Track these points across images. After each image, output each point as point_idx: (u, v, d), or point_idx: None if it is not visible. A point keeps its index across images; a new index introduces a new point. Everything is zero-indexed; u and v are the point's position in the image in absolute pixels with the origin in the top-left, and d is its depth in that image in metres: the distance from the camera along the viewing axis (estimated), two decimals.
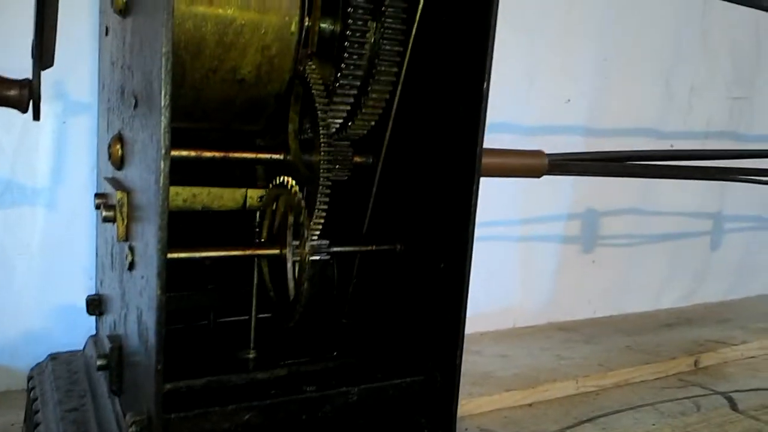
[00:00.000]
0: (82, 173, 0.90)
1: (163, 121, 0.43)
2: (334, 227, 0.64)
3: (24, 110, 0.59)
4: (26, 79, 0.58)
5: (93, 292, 0.75)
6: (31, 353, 0.85)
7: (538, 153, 0.74)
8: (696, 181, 1.52)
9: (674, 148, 1.39)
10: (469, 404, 0.99)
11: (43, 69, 0.59)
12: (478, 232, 0.58)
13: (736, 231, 1.69)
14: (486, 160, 0.57)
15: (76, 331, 0.86)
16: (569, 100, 1.35)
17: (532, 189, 1.26)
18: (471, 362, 1.11)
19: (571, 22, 1.29)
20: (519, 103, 1.24)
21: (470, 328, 0.60)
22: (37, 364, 0.81)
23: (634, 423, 1.02)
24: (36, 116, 0.59)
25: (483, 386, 1.06)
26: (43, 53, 0.58)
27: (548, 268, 1.40)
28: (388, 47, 0.62)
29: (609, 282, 1.49)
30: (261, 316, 0.66)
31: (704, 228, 1.65)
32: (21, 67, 0.60)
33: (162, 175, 0.44)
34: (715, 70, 1.53)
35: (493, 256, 1.27)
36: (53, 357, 0.81)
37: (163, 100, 0.42)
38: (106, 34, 0.67)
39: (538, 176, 0.73)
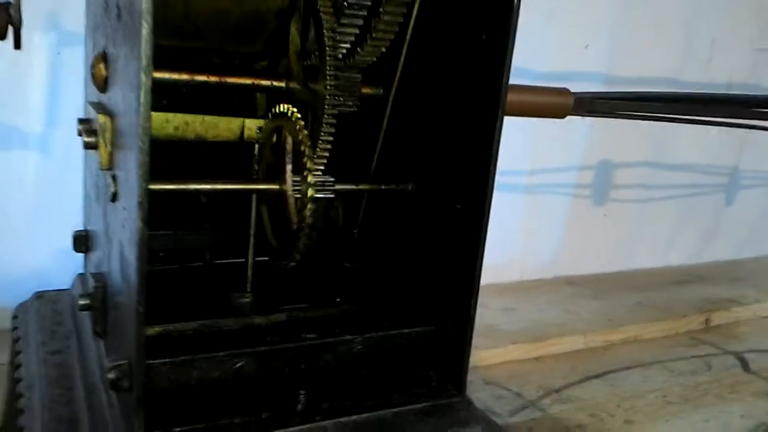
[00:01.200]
0: (79, 106, 0.86)
1: (145, 26, 0.37)
2: (339, 164, 0.58)
3: (2, 36, 0.53)
4: (6, 2, 0.52)
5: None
6: (24, 292, 0.81)
7: (563, 91, 0.68)
8: (713, 135, 1.48)
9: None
10: (474, 356, 0.95)
11: None
12: None
13: (752, 187, 1.65)
14: (508, 98, 0.51)
15: (71, 271, 0.82)
16: (587, 46, 1.28)
17: (543, 137, 1.21)
18: (476, 314, 1.08)
19: None
20: (534, 47, 1.18)
21: None
22: (22, 303, 0.77)
23: (643, 381, 0.99)
24: (17, 44, 0.53)
25: (489, 338, 1.03)
26: None
27: (557, 220, 1.36)
28: None
29: (619, 236, 1.46)
30: (259, 258, 0.61)
31: (719, 183, 1.60)
32: None
33: (143, 90, 0.38)
34: (738, 21, 1.46)
35: (500, 206, 1.21)
36: (39, 295, 0.77)
37: (145, 2, 0.36)
38: None
39: (562, 116, 0.68)
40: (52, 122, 0.89)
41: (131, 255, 0.42)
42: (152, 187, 0.43)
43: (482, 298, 1.25)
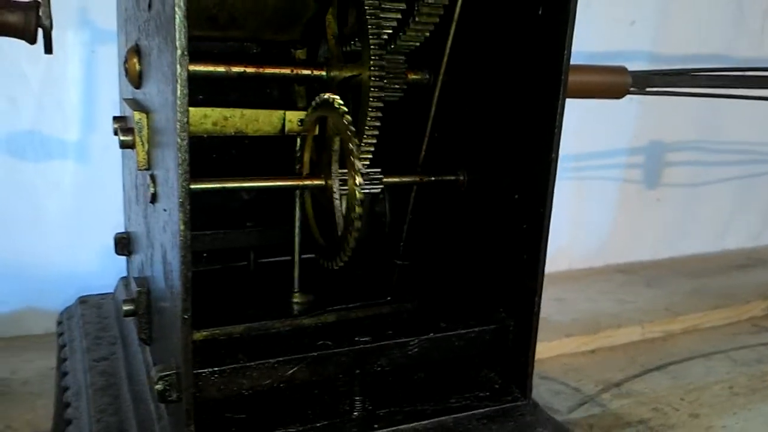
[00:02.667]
0: (116, 105, 0.85)
1: (178, 13, 0.34)
2: (386, 156, 0.55)
3: (31, 40, 0.50)
4: (34, 1, 0.49)
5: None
6: (69, 296, 0.80)
7: (620, 69, 0.64)
8: (767, 113, 1.40)
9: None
10: None
11: None
12: None
13: None
14: (570, 77, 0.47)
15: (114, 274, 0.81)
16: (634, 23, 1.23)
17: (591, 119, 1.16)
18: None
19: None
20: (579, 26, 1.13)
21: None
22: (66, 308, 0.76)
23: (706, 372, 0.95)
24: (48, 48, 0.51)
25: (540, 331, 0.99)
26: None
27: (607, 205, 1.31)
28: None
29: (672, 221, 1.41)
30: (305, 256, 0.58)
31: None
32: None
33: (179, 82, 0.35)
34: None
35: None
36: (83, 300, 0.76)
37: None
38: None
39: (620, 96, 0.63)
40: (89, 122, 0.88)
41: (174, 259, 0.40)
42: (193, 186, 0.40)
43: None
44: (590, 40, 1.14)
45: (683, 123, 1.32)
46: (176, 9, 0.35)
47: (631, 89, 0.68)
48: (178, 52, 0.35)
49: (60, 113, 0.87)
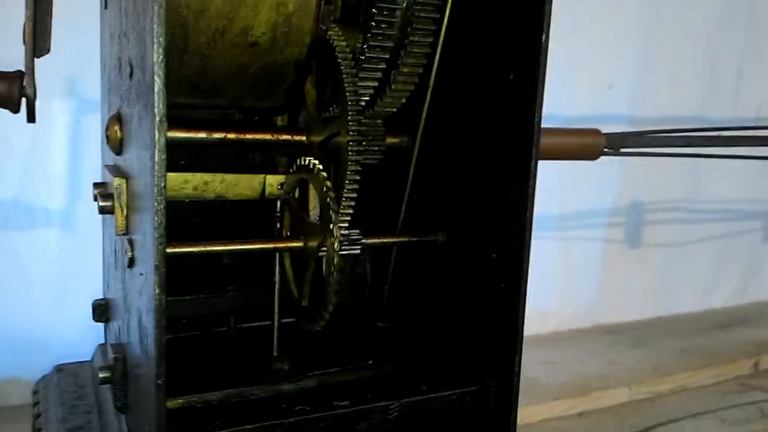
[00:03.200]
0: (99, 172, 0.85)
1: (157, 81, 0.35)
2: (365, 218, 0.55)
3: (14, 110, 0.50)
4: (18, 71, 0.50)
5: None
6: (47, 364, 0.78)
7: (593, 131, 0.65)
8: (746, 171, 1.43)
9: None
10: None
11: (38, 56, 0.50)
12: None
13: None
14: (542, 140, 0.48)
15: (92, 341, 0.80)
16: (611, 86, 1.26)
17: (572, 180, 1.18)
18: None
19: (608, 3, 1.20)
20: (556, 89, 1.16)
21: None
22: (43, 377, 0.74)
23: None
24: (30, 117, 0.50)
25: (528, 395, 0.98)
26: (37, 37, 0.49)
27: (591, 266, 1.32)
28: (422, 14, 0.53)
29: (657, 280, 1.41)
30: (285, 320, 0.58)
31: (755, 220, 1.54)
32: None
33: (157, 147, 0.36)
34: (762, 49, 1.43)
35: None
36: (59, 368, 0.74)
37: (156, 54, 0.35)
38: (105, 6, 0.59)
39: (595, 157, 0.65)
40: (74, 190, 0.88)
41: (149, 324, 0.39)
42: (170, 250, 0.40)
43: None
44: (567, 104, 1.17)
45: (664, 181, 1.34)
46: (155, 77, 0.36)
47: (606, 150, 0.69)
48: (157, 118, 0.36)
49: (45, 181, 0.87)
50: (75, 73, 0.85)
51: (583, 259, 1.30)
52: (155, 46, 0.35)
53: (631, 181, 1.30)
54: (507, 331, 0.50)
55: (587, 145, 0.63)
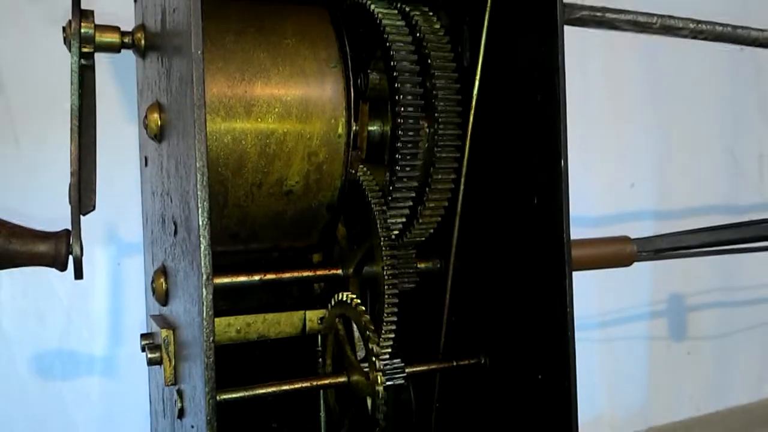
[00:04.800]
0: (140, 315, 0.87)
1: (203, 242, 0.37)
2: (407, 344, 0.56)
3: (62, 268, 0.51)
4: (64, 230, 0.51)
5: None
6: None
7: (623, 239, 0.66)
8: None
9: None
10: None
11: (84, 214, 0.52)
12: None
13: None
14: (573, 252, 0.49)
15: None
16: (633, 185, 1.28)
17: (607, 281, 1.17)
18: None
19: (622, 104, 1.24)
20: (579, 193, 1.18)
21: None
22: None
23: None
24: (78, 274, 0.51)
25: None
26: (82, 196, 0.52)
27: (638, 365, 1.28)
28: (443, 154, 0.56)
29: (707, 373, 1.36)
30: None
31: None
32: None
33: (205, 304, 0.37)
34: None
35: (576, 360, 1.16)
36: None
37: (201, 218, 0.37)
38: (146, 164, 0.63)
39: (629, 264, 0.65)
40: (115, 334, 0.89)
41: None
42: (220, 398, 0.41)
43: None
44: (593, 205, 1.18)
45: (702, 272, 1.31)
46: (201, 238, 0.38)
47: (642, 255, 0.69)
48: (204, 277, 0.38)
49: (87, 326, 0.88)
50: (114, 220, 0.89)
51: (628, 359, 1.26)
52: (200, 210, 0.37)
53: (665, 276, 1.28)
54: None
55: (619, 253, 0.64)
